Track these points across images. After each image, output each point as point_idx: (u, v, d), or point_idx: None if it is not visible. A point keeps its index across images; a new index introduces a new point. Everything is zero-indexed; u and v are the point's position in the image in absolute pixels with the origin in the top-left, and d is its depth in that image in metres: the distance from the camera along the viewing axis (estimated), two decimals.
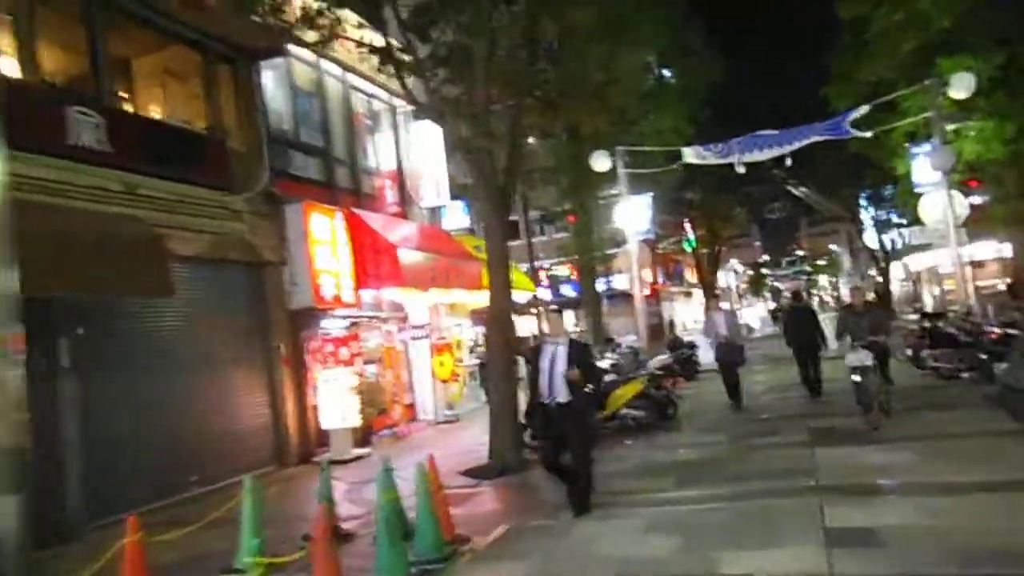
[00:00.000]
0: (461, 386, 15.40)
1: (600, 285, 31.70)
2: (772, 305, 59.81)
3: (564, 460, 6.27)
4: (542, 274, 29.00)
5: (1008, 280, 24.65)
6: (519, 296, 19.38)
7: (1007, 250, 26.36)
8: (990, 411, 7.54)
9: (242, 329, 10.78)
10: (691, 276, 42.16)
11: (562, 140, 18.47)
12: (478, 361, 15.93)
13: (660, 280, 40.97)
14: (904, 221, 36.00)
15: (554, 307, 8.47)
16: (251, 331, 10.93)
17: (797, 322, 11.97)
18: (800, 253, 69.69)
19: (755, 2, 73.12)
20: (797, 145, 14.40)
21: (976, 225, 18.71)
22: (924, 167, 15.26)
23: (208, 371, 9.93)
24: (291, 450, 11.02)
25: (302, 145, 12.60)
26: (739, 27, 76.27)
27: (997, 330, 9.77)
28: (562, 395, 6.20)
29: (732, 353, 11.86)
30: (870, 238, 39.66)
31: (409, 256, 12.92)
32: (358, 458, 10.95)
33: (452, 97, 9.33)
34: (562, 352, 6.29)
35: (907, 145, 16.86)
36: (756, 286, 62.92)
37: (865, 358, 8.51)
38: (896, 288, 39.16)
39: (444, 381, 14.51)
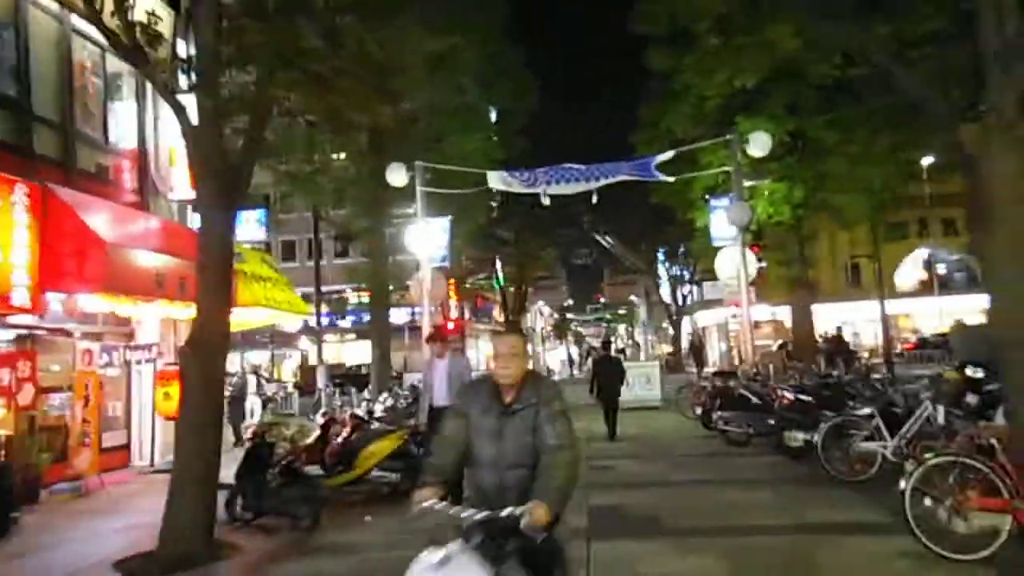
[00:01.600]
0: None
1: (403, 315, 29.78)
2: (575, 350, 61.03)
3: None
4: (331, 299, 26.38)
5: (781, 341, 26.37)
6: (293, 321, 16.81)
7: (780, 313, 28.54)
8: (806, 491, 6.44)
9: None
10: (499, 315, 41.52)
11: (363, 153, 16.52)
12: (228, 394, 12.99)
13: (467, 315, 39.81)
14: (697, 278, 38.31)
15: None
16: None
17: (607, 371, 12.65)
18: (603, 301, 72.64)
19: (577, 42, 76.48)
20: (604, 181, 13.56)
21: (756, 288, 19.42)
22: (722, 221, 15.18)
23: None
24: None
25: None
26: (558, 63, 79.42)
27: (790, 395, 9.03)
28: None
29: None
30: (665, 292, 41.61)
31: (128, 256, 9.96)
32: None
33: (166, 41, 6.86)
34: None
35: (707, 198, 16.90)
36: (560, 330, 64.32)
37: None
38: (684, 343, 41.02)
39: (168, 419, 11.41)
